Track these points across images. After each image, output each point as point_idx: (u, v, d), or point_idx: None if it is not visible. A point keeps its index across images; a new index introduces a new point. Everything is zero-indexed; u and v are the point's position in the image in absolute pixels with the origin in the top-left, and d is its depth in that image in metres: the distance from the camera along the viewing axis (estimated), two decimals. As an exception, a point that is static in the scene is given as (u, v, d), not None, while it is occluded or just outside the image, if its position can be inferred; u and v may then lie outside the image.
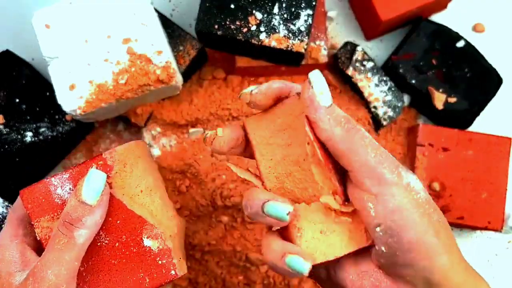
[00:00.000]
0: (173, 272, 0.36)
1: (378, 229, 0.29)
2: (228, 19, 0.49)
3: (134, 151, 0.38)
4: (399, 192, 0.29)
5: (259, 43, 0.49)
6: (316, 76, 0.31)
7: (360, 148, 0.30)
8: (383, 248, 0.30)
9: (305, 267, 0.30)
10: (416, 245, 0.29)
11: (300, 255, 0.30)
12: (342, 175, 0.32)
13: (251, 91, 0.34)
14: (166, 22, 0.53)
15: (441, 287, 0.30)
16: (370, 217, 0.30)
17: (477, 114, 0.55)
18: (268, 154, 0.34)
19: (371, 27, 0.57)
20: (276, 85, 0.33)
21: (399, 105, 0.56)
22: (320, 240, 0.32)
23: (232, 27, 0.49)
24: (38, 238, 0.36)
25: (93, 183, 0.34)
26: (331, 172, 0.31)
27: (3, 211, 0.49)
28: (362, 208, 0.30)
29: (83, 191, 0.34)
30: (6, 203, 0.50)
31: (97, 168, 0.36)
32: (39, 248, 0.37)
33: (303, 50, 0.49)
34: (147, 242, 0.36)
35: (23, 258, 0.35)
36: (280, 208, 0.31)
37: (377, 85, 0.55)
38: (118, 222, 0.36)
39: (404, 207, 0.29)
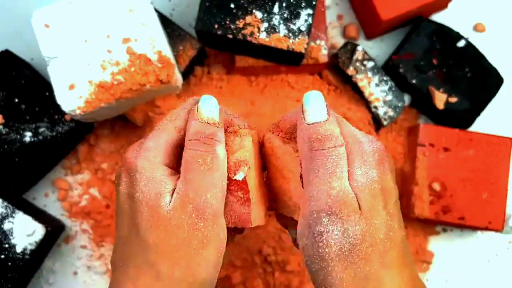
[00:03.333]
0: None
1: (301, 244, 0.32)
2: (228, 19, 0.49)
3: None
4: (328, 232, 0.30)
5: (259, 42, 0.49)
6: (307, 97, 0.33)
7: (312, 172, 0.31)
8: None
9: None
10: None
11: None
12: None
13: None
14: (166, 22, 0.53)
15: None
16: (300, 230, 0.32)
17: (478, 114, 0.55)
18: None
19: (371, 26, 0.57)
20: None
21: (399, 105, 0.56)
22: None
23: (232, 26, 0.49)
24: None
25: (209, 104, 0.33)
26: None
27: (2, 211, 0.49)
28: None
29: (203, 112, 0.33)
30: (6, 203, 0.50)
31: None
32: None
33: (303, 50, 0.49)
34: None
35: (172, 179, 0.32)
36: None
37: (377, 85, 0.55)
38: None
39: (323, 253, 0.30)
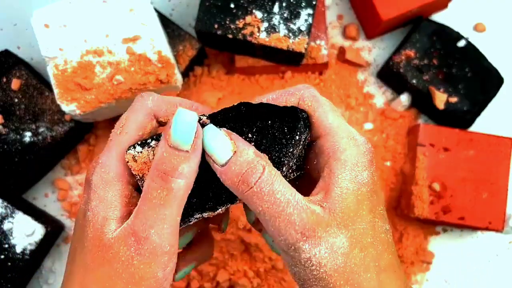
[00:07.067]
0: None
1: None
2: (228, 19, 0.49)
3: None
4: (315, 255, 0.29)
5: (259, 42, 0.49)
6: (206, 139, 0.29)
7: (260, 214, 0.29)
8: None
9: None
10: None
11: None
12: None
13: None
14: (165, 22, 0.53)
15: None
16: None
17: (478, 114, 0.55)
18: None
19: (372, 26, 0.57)
20: None
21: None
22: None
23: (232, 26, 0.49)
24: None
25: (183, 124, 0.28)
26: None
27: (2, 211, 0.49)
28: None
29: (173, 135, 0.28)
30: (6, 203, 0.50)
31: None
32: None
33: (303, 50, 0.49)
34: None
35: (125, 204, 0.30)
36: None
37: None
38: None
39: (319, 274, 0.29)
